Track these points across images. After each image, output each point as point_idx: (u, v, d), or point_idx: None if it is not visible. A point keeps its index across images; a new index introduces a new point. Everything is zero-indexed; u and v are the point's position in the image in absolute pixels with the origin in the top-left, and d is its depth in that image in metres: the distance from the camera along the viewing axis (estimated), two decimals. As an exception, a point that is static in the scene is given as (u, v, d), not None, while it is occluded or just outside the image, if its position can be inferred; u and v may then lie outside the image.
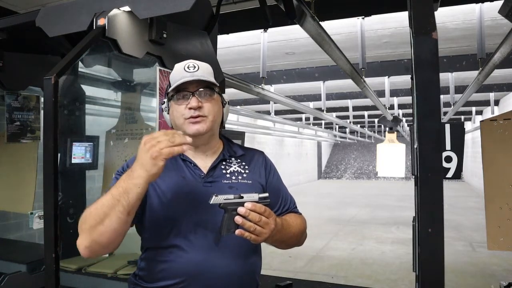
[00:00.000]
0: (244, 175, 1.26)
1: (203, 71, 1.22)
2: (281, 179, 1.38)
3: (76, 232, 1.08)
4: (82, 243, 1.06)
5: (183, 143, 1.02)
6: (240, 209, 1.04)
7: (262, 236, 1.06)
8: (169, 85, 1.24)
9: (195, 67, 1.21)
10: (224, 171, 1.24)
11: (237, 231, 1.04)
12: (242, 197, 1.07)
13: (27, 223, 2.29)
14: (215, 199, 1.06)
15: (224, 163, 1.27)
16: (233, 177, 1.24)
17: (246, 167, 1.28)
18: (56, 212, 1.36)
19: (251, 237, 1.05)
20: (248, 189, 1.20)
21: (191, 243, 1.15)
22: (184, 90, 1.20)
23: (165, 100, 1.27)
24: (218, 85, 1.24)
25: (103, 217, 1.02)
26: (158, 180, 1.19)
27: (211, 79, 1.22)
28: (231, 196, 1.07)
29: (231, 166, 1.27)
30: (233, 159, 1.29)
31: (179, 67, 1.23)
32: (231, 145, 1.34)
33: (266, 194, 1.09)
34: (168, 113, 1.26)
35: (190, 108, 1.18)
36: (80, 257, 2.20)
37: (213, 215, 1.13)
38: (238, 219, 1.04)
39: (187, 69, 1.20)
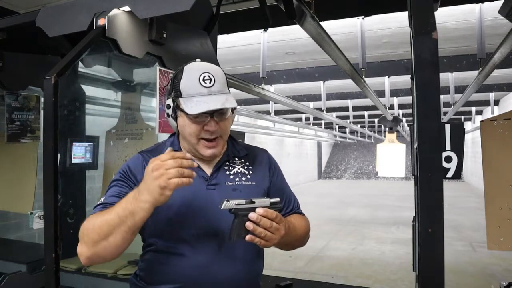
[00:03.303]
0: (248, 176, 1.23)
1: (220, 84, 1.14)
2: (285, 178, 1.35)
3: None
4: (83, 253, 1.06)
5: (193, 176, 1.00)
6: (252, 215, 1.02)
7: (271, 241, 1.05)
8: (173, 88, 1.15)
9: (211, 79, 1.12)
10: (227, 172, 1.21)
11: (247, 237, 1.02)
12: (253, 202, 1.04)
13: (27, 223, 2.29)
14: (227, 204, 1.03)
15: (227, 163, 1.23)
16: (237, 179, 1.21)
17: (250, 167, 1.25)
18: (56, 212, 1.37)
19: (261, 242, 1.03)
20: (252, 191, 1.18)
21: (193, 248, 1.13)
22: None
23: (170, 103, 1.17)
24: (237, 106, 1.18)
25: (107, 234, 1.00)
26: None
27: (230, 98, 1.13)
28: (243, 201, 1.04)
29: (234, 167, 1.24)
30: (236, 159, 1.26)
31: (193, 76, 1.12)
32: (235, 144, 1.30)
33: (277, 199, 1.07)
34: (174, 120, 1.18)
35: (206, 130, 1.14)
36: (80, 257, 2.23)
37: (216, 219, 1.12)
38: (249, 225, 1.02)
39: (203, 83, 1.11)
